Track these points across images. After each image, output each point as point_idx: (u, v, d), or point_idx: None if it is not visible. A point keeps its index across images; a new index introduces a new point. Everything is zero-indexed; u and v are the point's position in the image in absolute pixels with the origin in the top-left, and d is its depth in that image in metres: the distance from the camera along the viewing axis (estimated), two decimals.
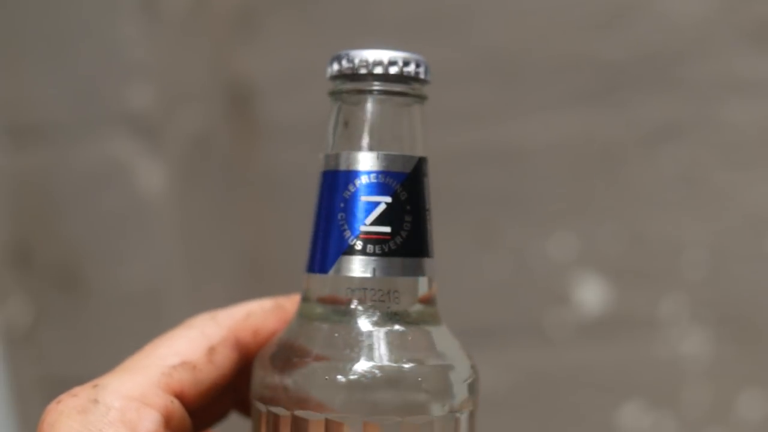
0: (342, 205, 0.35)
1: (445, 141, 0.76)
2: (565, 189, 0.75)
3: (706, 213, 0.73)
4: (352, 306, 0.35)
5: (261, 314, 0.39)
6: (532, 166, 0.76)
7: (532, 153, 0.76)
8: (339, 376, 0.34)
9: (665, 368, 0.74)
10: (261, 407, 0.36)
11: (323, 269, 0.36)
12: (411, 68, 0.36)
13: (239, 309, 0.39)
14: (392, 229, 0.35)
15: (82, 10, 0.79)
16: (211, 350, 0.37)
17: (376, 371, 0.34)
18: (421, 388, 0.35)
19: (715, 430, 0.73)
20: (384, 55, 0.36)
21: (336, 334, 0.35)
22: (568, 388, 0.76)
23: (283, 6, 0.81)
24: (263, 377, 0.36)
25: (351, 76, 0.36)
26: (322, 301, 0.36)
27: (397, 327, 0.35)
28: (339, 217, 0.35)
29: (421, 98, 0.37)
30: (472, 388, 0.36)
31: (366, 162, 0.35)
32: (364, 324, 0.35)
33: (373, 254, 0.35)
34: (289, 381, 0.35)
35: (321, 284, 0.36)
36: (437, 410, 0.35)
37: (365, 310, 0.35)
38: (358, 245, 0.35)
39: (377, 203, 0.35)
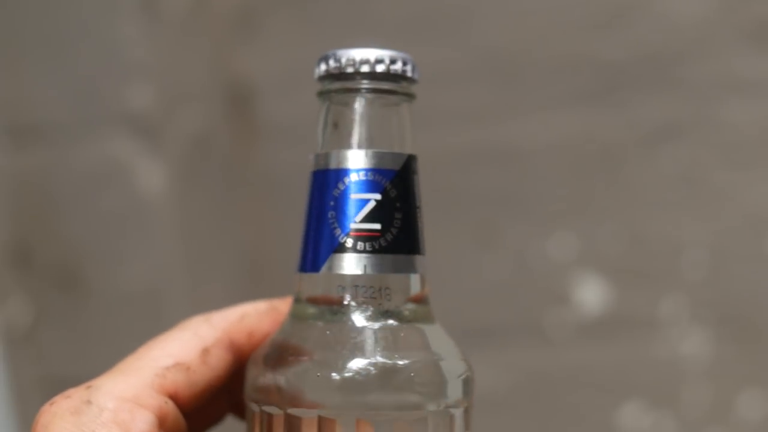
0: (332, 203, 0.35)
1: (445, 141, 0.77)
2: (565, 189, 0.75)
3: (706, 213, 0.73)
4: (344, 303, 0.35)
5: (255, 316, 0.39)
6: (532, 166, 0.76)
7: (532, 153, 0.76)
8: (331, 374, 0.34)
9: (665, 368, 0.74)
10: (254, 407, 0.36)
11: (315, 268, 0.36)
12: (398, 66, 0.36)
13: (233, 311, 0.39)
14: (382, 226, 0.35)
15: (82, 10, 0.79)
16: (205, 351, 0.37)
17: (369, 368, 0.34)
18: (414, 384, 0.34)
19: (715, 430, 0.73)
20: (371, 53, 0.36)
21: (328, 332, 0.35)
22: (568, 388, 0.76)
23: (283, 6, 0.81)
24: (256, 377, 0.36)
25: (338, 75, 0.36)
26: (315, 299, 0.36)
27: (389, 324, 0.35)
28: (329, 215, 0.35)
29: (409, 96, 0.37)
30: (467, 384, 0.36)
31: (355, 160, 0.35)
32: (356, 321, 0.35)
33: (364, 251, 0.35)
34: (281, 380, 0.35)
35: (313, 283, 0.36)
36: (431, 406, 0.35)
37: (357, 308, 0.35)
38: (349, 243, 0.35)
39: (367, 200, 0.35)
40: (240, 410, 0.40)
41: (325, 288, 0.36)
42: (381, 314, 0.35)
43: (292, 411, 0.34)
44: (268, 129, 0.82)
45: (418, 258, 0.36)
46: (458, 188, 0.77)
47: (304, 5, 0.80)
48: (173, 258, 0.80)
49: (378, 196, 0.35)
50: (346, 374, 0.34)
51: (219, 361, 0.37)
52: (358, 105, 0.36)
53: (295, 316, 0.37)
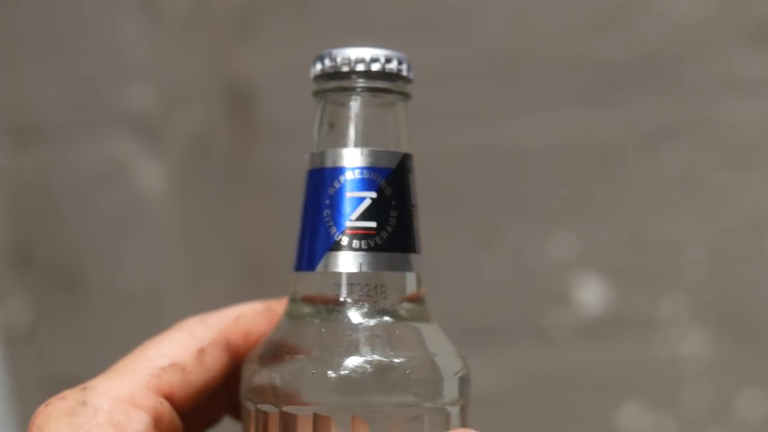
0: (327, 201, 0.35)
1: (445, 141, 0.77)
2: (565, 189, 0.75)
3: (706, 213, 0.73)
4: (340, 301, 0.35)
5: (251, 316, 0.39)
6: (532, 166, 0.76)
7: (532, 153, 0.76)
8: (327, 371, 0.34)
9: (665, 368, 0.73)
10: (250, 406, 0.36)
11: (311, 266, 0.36)
12: (393, 65, 0.36)
13: (229, 311, 0.39)
14: (378, 224, 0.35)
15: (82, 10, 0.79)
16: (201, 352, 0.37)
17: (365, 366, 0.34)
18: (410, 382, 0.34)
19: (715, 430, 0.73)
20: (366, 52, 0.36)
21: (323, 330, 0.35)
22: (568, 388, 0.76)
23: (283, 6, 0.81)
24: (251, 376, 0.36)
25: (334, 74, 0.36)
26: (311, 298, 0.36)
27: (385, 321, 0.35)
28: (325, 213, 0.35)
29: (404, 95, 0.37)
30: (463, 382, 0.36)
31: (350, 158, 0.35)
32: (352, 319, 0.35)
33: (359, 249, 0.35)
34: (277, 378, 0.35)
35: (309, 282, 0.36)
36: (427, 404, 0.35)
37: (353, 305, 0.35)
38: (344, 241, 0.35)
39: (362, 198, 0.35)
40: (236, 411, 0.40)
41: (320, 286, 0.36)
42: (377, 312, 0.35)
43: (287, 408, 0.34)
44: (268, 129, 0.82)
45: (413, 256, 0.36)
46: (458, 188, 0.77)
47: (304, 5, 0.81)
48: (173, 258, 0.80)
49: (373, 195, 0.35)
50: (342, 372, 0.34)
51: (215, 362, 0.37)
52: (354, 104, 0.36)
53: (291, 315, 0.37)
